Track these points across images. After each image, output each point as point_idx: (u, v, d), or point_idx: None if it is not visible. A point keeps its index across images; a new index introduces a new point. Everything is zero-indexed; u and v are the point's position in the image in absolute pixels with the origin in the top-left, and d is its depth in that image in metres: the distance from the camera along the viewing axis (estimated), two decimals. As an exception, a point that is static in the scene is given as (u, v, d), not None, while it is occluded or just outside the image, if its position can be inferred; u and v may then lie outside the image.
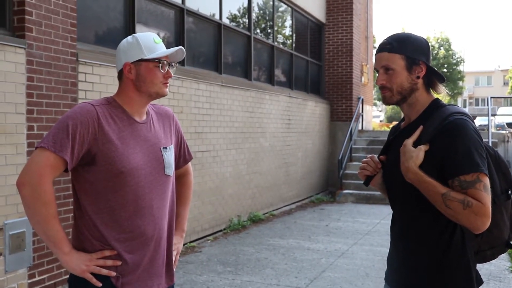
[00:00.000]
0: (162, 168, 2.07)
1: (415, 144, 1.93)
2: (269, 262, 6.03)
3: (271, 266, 5.86)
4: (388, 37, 2.04)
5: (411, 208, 2.00)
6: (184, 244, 6.63)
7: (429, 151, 1.89)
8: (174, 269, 2.17)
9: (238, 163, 8.18)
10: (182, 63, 6.89)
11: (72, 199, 2.07)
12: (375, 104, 45.68)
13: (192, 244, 6.79)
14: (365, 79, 14.73)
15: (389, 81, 2.00)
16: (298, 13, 11.47)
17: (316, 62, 12.54)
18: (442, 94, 2.07)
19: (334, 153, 12.54)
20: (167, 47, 2.10)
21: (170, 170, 2.12)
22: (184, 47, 6.90)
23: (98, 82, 5.21)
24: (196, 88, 7.02)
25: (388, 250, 2.21)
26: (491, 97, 12.94)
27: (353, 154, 12.40)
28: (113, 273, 1.95)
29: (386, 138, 2.27)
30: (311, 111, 11.48)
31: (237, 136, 8.16)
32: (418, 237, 1.98)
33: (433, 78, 2.03)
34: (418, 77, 1.99)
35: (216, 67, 7.93)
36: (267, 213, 9.21)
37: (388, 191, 2.15)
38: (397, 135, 2.12)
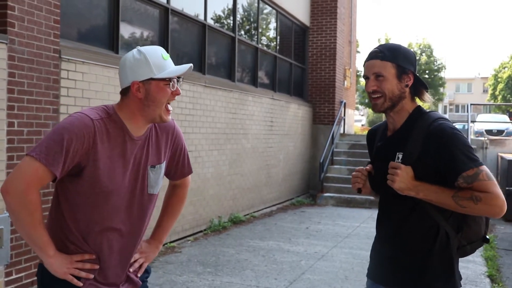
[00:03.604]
0: (145, 187, 2.07)
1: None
2: (249, 264, 6.03)
3: (251, 268, 5.86)
4: (379, 46, 2.15)
5: (401, 209, 2.12)
6: (164, 244, 6.59)
7: (423, 158, 2.02)
8: (139, 275, 2.17)
9: (220, 164, 8.17)
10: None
11: (48, 199, 2.06)
12: (357, 108, 45.94)
13: (172, 244, 6.77)
14: (347, 83, 14.84)
15: (380, 86, 2.10)
16: (282, 15, 11.51)
17: (300, 65, 12.59)
18: (428, 103, 2.19)
19: (315, 156, 12.59)
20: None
21: (154, 189, 2.11)
22: (168, 46, 6.91)
23: (80, 79, 5.17)
24: (179, 88, 6.99)
25: (368, 253, 2.26)
26: (471, 104, 13.14)
27: (334, 158, 12.47)
28: (91, 276, 1.98)
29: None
30: (293, 113, 11.52)
31: (220, 137, 8.15)
32: (406, 236, 2.11)
33: (419, 87, 2.15)
34: (406, 86, 2.11)
35: (199, 67, 7.91)
36: (247, 214, 9.21)
37: (379, 195, 2.28)
38: (385, 144, 2.21)
